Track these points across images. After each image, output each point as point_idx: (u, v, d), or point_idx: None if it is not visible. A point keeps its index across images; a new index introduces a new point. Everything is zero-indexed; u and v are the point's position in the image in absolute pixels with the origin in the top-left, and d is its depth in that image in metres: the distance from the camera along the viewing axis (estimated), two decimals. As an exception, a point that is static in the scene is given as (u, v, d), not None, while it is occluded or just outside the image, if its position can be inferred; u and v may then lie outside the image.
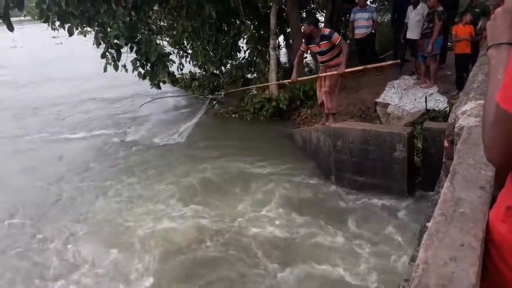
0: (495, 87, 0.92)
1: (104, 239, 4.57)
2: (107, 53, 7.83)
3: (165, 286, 3.81)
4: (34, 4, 7.89)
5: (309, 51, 6.41)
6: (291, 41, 9.98)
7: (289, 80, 6.13)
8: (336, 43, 5.43)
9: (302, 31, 5.68)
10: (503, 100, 0.84)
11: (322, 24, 10.62)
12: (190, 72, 11.37)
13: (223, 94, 7.85)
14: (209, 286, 3.78)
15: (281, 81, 7.67)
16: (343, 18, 10.98)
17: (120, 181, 5.99)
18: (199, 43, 9.31)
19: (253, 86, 8.76)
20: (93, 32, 8.30)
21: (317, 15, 11.74)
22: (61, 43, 23.56)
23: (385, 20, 13.00)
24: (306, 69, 9.04)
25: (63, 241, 4.60)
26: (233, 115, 8.74)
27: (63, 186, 5.99)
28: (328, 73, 5.75)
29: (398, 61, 6.27)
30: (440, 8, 6.19)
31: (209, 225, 4.69)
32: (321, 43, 5.46)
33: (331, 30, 5.69)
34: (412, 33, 6.96)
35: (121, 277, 3.93)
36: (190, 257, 4.15)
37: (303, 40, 5.85)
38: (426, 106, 6.00)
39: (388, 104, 6.44)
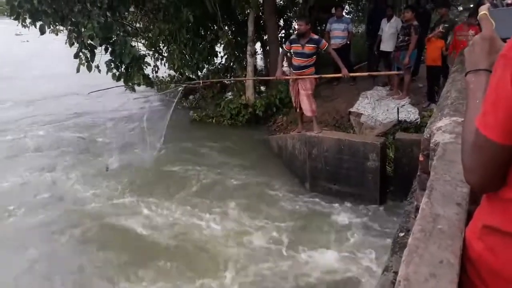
0: (474, 111, 0.96)
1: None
2: (80, 53, 7.64)
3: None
4: (4, 0, 7.60)
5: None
6: (268, 48, 10.04)
7: (273, 77, 6.11)
8: (324, 49, 5.47)
9: (297, 28, 5.59)
10: (482, 125, 0.87)
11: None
12: (169, 75, 11.23)
13: (201, 83, 7.63)
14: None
15: (264, 77, 7.50)
16: (319, 28, 11.17)
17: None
18: (175, 47, 9.22)
19: (233, 79, 8.63)
20: (65, 31, 8.09)
21: (294, 24, 11.91)
22: (27, 40, 22.81)
23: (360, 31, 13.33)
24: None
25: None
26: (209, 120, 8.70)
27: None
28: (335, 75, 6.09)
29: (402, 72, 6.36)
30: (416, 22, 6.40)
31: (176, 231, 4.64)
32: (306, 45, 5.45)
33: (320, 37, 5.74)
34: (386, 45, 7.17)
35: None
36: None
37: (287, 41, 5.82)
38: (398, 117, 6.17)
39: (362, 114, 6.57)
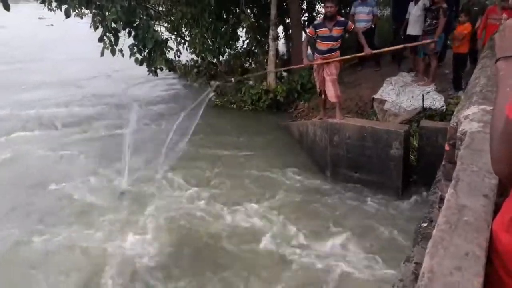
0: (503, 99, 0.93)
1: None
2: (104, 37, 7.72)
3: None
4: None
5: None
6: (290, 32, 9.91)
7: (302, 65, 5.99)
8: (351, 29, 5.41)
9: (325, 11, 5.45)
10: None
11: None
12: (192, 59, 11.24)
13: (233, 81, 7.56)
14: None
15: (294, 66, 7.32)
16: (343, 11, 10.91)
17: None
18: (197, 30, 9.21)
19: (262, 72, 8.50)
20: (90, 15, 8.19)
21: (317, 7, 11.69)
22: (52, 24, 22.91)
23: (385, 14, 12.95)
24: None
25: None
26: (231, 105, 8.70)
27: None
28: (360, 54, 5.77)
29: (435, 39, 6.01)
30: (445, 5, 6.15)
31: (204, 215, 4.70)
32: (334, 28, 5.32)
33: (345, 19, 5.65)
34: (413, 29, 6.93)
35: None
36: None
37: (311, 26, 5.68)
38: (423, 104, 6.01)
39: (385, 100, 6.44)
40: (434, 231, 1.08)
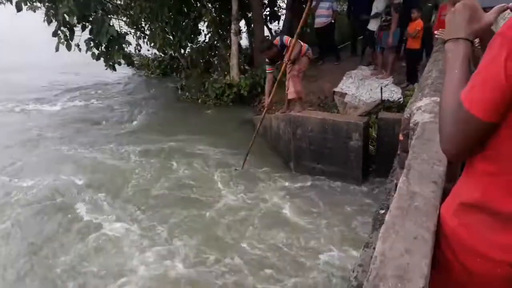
0: (452, 81, 0.97)
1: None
2: (59, 32, 7.43)
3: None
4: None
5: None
6: (252, 26, 9.92)
7: (266, 107, 5.77)
8: (288, 44, 5.31)
9: (266, 57, 5.52)
10: (467, 100, 0.88)
11: (284, 11, 10.71)
12: (154, 53, 11.05)
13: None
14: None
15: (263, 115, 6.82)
16: (304, 6, 11.03)
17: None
18: (157, 25, 9.04)
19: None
20: (43, 8, 7.84)
21: (278, 1, 11.75)
22: None
23: (344, 9, 13.22)
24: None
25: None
26: (197, 100, 8.64)
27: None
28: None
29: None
30: (398, 1, 6.37)
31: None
32: (284, 53, 5.38)
33: (279, 36, 5.65)
34: (372, 25, 7.14)
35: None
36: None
37: (267, 62, 5.65)
38: (381, 96, 6.22)
39: (346, 93, 6.61)
40: (386, 217, 1.14)
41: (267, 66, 5.71)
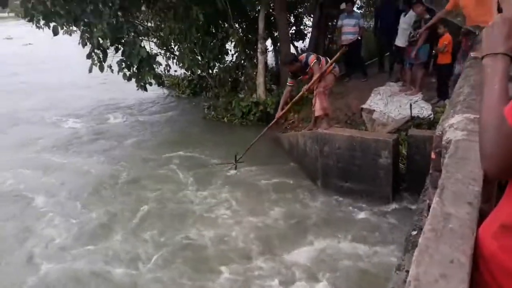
0: (492, 97, 0.95)
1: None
2: (93, 54, 7.74)
3: None
4: (18, 2, 7.74)
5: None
6: (279, 45, 10.02)
7: (277, 117, 6.04)
8: (311, 65, 5.41)
9: (288, 70, 5.66)
10: (511, 115, 0.85)
11: (310, 29, 10.79)
12: (184, 73, 11.35)
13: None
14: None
15: (271, 124, 6.41)
16: (330, 24, 11.09)
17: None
18: (186, 46, 9.27)
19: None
20: (78, 32, 8.22)
21: (304, 20, 11.86)
22: (29, 43, 21.96)
23: (371, 26, 13.18)
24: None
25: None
26: (223, 119, 8.73)
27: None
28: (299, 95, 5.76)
29: (346, 50, 5.86)
30: (427, 16, 6.29)
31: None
32: (307, 70, 5.51)
33: (307, 53, 5.74)
34: (399, 41, 7.08)
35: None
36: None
37: (290, 75, 5.79)
38: (411, 113, 6.10)
39: (374, 110, 6.52)
40: (420, 239, 1.10)
41: (289, 79, 5.81)
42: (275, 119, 6.03)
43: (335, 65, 5.55)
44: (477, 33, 4.75)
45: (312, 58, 5.44)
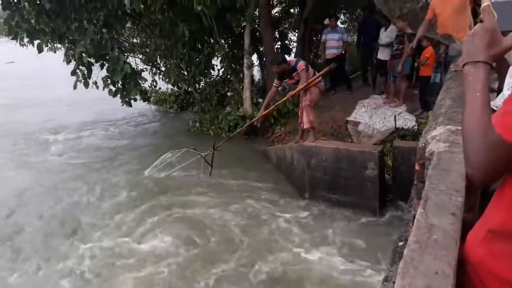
0: (474, 105, 0.96)
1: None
2: (77, 70, 7.70)
3: None
4: (2, 20, 7.69)
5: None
6: (264, 60, 10.12)
7: (258, 117, 6.00)
8: (299, 71, 5.46)
9: (275, 70, 5.69)
10: (500, 125, 0.87)
11: (295, 44, 10.94)
12: (171, 89, 11.38)
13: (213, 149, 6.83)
14: None
15: (283, 100, 6.93)
16: (314, 38, 11.27)
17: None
18: (172, 61, 9.30)
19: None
20: (63, 49, 8.18)
21: (289, 35, 12.03)
22: (11, 61, 21.64)
23: (355, 40, 13.45)
24: (279, 88, 9.15)
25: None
26: (207, 131, 8.74)
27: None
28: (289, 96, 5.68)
29: (334, 66, 5.91)
30: (409, 31, 6.45)
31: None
32: (294, 74, 5.57)
33: (296, 59, 5.79)
34: (382, 54, 7.23)
35: None
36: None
37: (276, 76, 5.84)
38: (395, 124, 6.19)
39: (359, 122, 6.60)
40: (405, 251, 1.11)
41: (275, 79, 5.82)
42: (256, 117, 5.97)
43: (320, 79, 5.62)
44: (447, 43, 4.88)
45: (301, 64, 5.50)
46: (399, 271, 1.03)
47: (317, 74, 5.54)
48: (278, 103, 5.95)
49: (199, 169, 6.23)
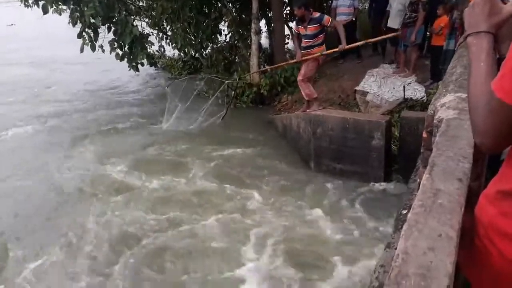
0: (478, 74, 0.97)
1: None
2: (83, 33, 7.60)
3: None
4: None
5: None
6: (272, 26, 9.90)
7: (295, 60, 6.08)
8: (328, 25, 5.39)
9: (295, 13, 5.53)
10: (498, 88, 0.87)
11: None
12: (179, 55, 11.22)
13: (237, 79, 6.88)
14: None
15: (290, 62, 7.10)
16: (325, 4, 10.96)
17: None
18: (179, 25, 9.14)
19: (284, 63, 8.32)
20: (68, 11, 8.04)
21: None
22: (12, 24, 21.35)
23: (366, 7, 13.05)
24: (287, 55, 9.00)
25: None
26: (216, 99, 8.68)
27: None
28: (333, 50, 5.73)
29: (400, 33, 6.12)
30: (424, -1, 6.26)
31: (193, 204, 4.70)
32: (308, 26, 5.41)
33: (322, 14, 5.58)
34: (393, 22, 7.02)
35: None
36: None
37: (295, 22, 5.74)
38: (404, 95, 6.10)
39: (367, 92, 6.52)
40: (409, 214, 1.11)
41: (295, 25, 5.76)
42: (296, 61, 6.02)
43: (323, 51, 5.55)
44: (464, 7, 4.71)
45: (327, 18, 5.40)
46: (403, 233, 1.03)
47: (327, 51, 5.46)
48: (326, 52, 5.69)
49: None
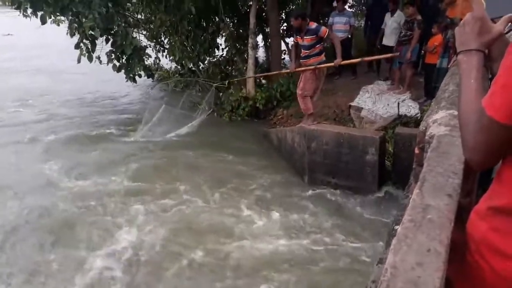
0: (469, 91, 0.99)
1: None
2: (81, 44, 7.63)
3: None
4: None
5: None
6: (269, 41, 10.01)
7: (287, 71, 6.17)
8: (325, 36, 5.45)
9: (292, 23, 5.60)
10: (488, 106, 0.88)
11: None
12: (176, 67, 11.27)
13: (226, 83, 7.13)
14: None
15: (282, 72, 7.16)
16: (321, 21, 11.11)
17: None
18: (176, 38, 9.21)
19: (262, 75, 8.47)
20: (66, 22, 8.08)
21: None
22: (9, 34, 21.05)
23: (362, 25, 13.26)
24: (283, 70, 9.07)
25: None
26: (213, 112, 8.71)
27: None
28: (327, 65, 5.74)
29: (397, 54, 6.22)
30: (419, 17, 6.36)
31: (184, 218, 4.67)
32: (305, 37, 5.47)
33: (319, 25, 5.63)
34: (388, 40, 7.12)
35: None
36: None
37: (295, 30, 5.80)
38: (399, 111, 6.15)
39: (362, 108, 6.56)
40: (398, 229, 1.11)
41: (294, 34, 5.79)
42: (289, 71, 6.20)
43: (321, 61, 5.62)
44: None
45: (324, 30, 5.43)
46: (392, 248, 1.03)
47: (323, 65, 5.58)
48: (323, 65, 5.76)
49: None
